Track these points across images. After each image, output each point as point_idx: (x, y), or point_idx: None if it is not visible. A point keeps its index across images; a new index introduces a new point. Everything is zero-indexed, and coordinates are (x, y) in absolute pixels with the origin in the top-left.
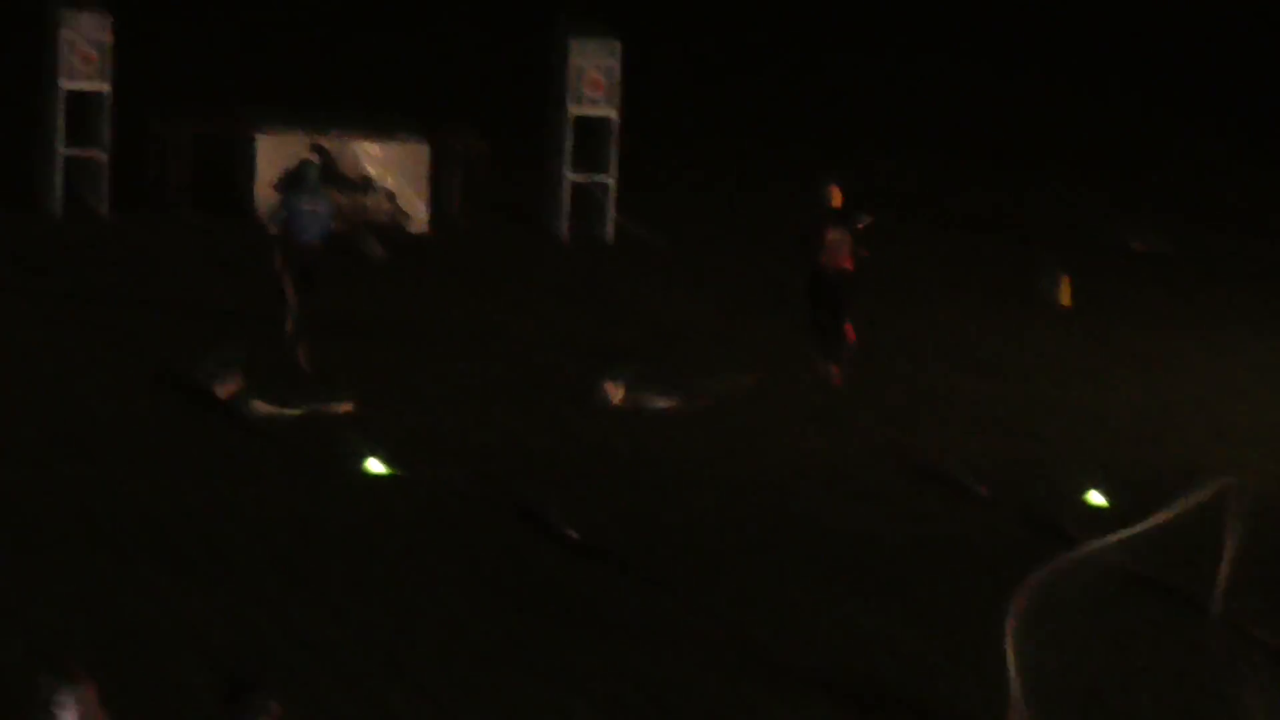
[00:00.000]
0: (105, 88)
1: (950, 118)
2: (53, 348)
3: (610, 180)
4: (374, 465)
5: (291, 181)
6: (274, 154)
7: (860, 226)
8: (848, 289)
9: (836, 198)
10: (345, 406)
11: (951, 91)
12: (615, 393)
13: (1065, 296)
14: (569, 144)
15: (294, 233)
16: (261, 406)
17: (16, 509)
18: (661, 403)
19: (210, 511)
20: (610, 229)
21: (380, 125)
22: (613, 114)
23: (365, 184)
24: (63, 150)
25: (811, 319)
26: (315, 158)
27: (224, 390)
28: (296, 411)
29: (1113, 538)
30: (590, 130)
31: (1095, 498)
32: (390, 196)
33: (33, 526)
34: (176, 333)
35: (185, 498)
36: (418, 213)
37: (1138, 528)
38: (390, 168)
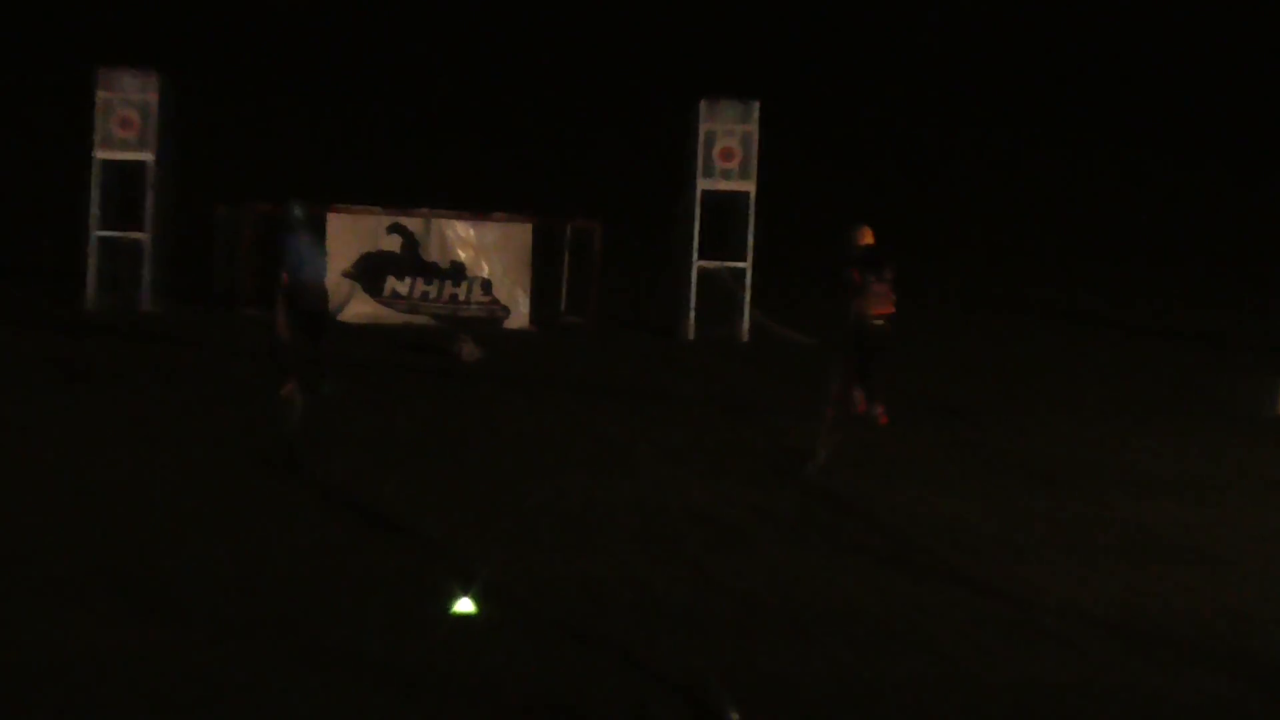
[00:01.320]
0: (148, 157)
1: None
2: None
3: (746, 266)
4: (463, 604)
5: (284, 225)
6: (347, 234)
7: (890, 276)
8: (892, 335)
9: (869, 237)
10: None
11: (1140, 190)
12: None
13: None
14: (698, 224)
15: (294, 270)
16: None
17: None
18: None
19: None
20: (745, 325)
21: (476, 204)
22: (750, 188)
23: (456, 271)
24: (97, 230)
25: (847, 364)
26: (397, 239)
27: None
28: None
29: None
30: (722, 208)
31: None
32: (486, 286)
33: None
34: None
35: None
36: (518, 306)
37: None
38: (486, 252)
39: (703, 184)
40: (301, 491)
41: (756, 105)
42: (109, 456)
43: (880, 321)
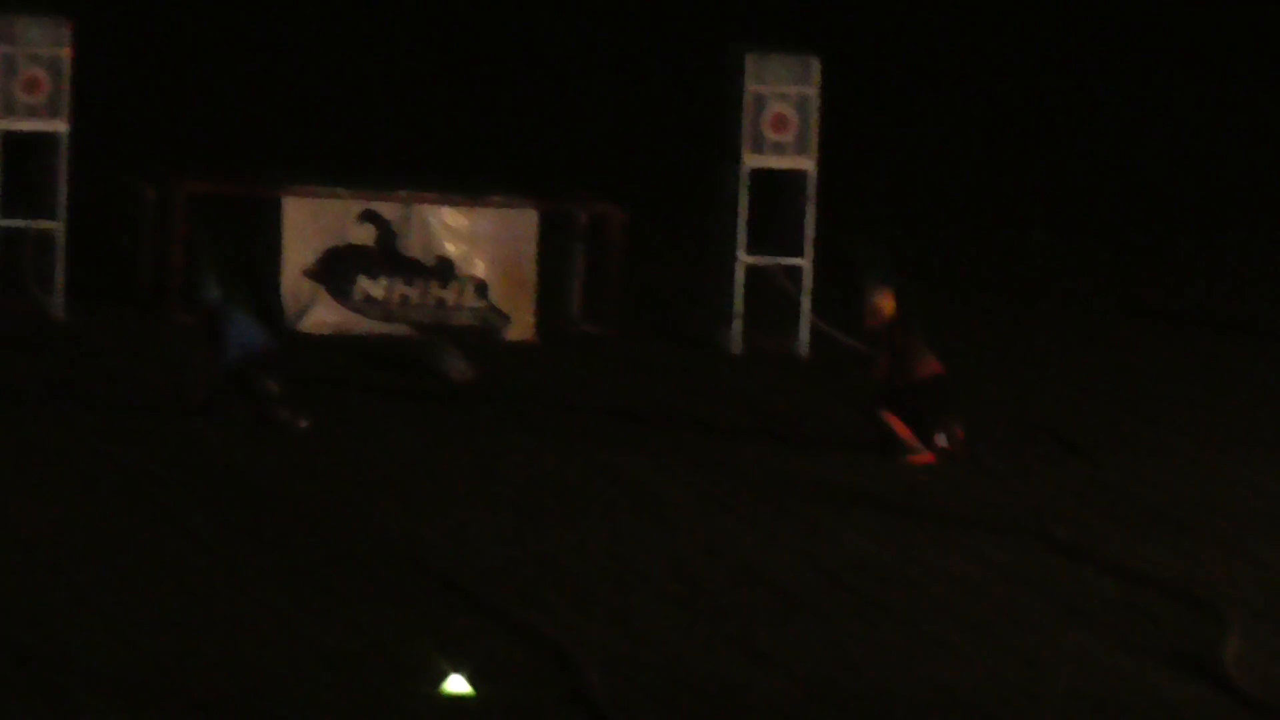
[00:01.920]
0: (61, 127)
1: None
2: None
3: (805, 263)
4: (456, 684)
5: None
6: (308, 224)
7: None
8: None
9: (890, 303)
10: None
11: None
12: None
13: None
14: (744, 210)
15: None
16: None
17: None
18: None
19: None
20: (804, 335)
21: (467, 185)
22: (809, 165)
23: (443, 269)
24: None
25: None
26: (370, 230)
27: None
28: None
29: None
30: (774, 190)
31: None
32: (480, 288)
33: None
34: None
35: None
36: (520, 312)
37: None
38: (481, 246)
39: (749, 160)
40: (251, 542)
41: (816, 62)
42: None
43: (934, 378)
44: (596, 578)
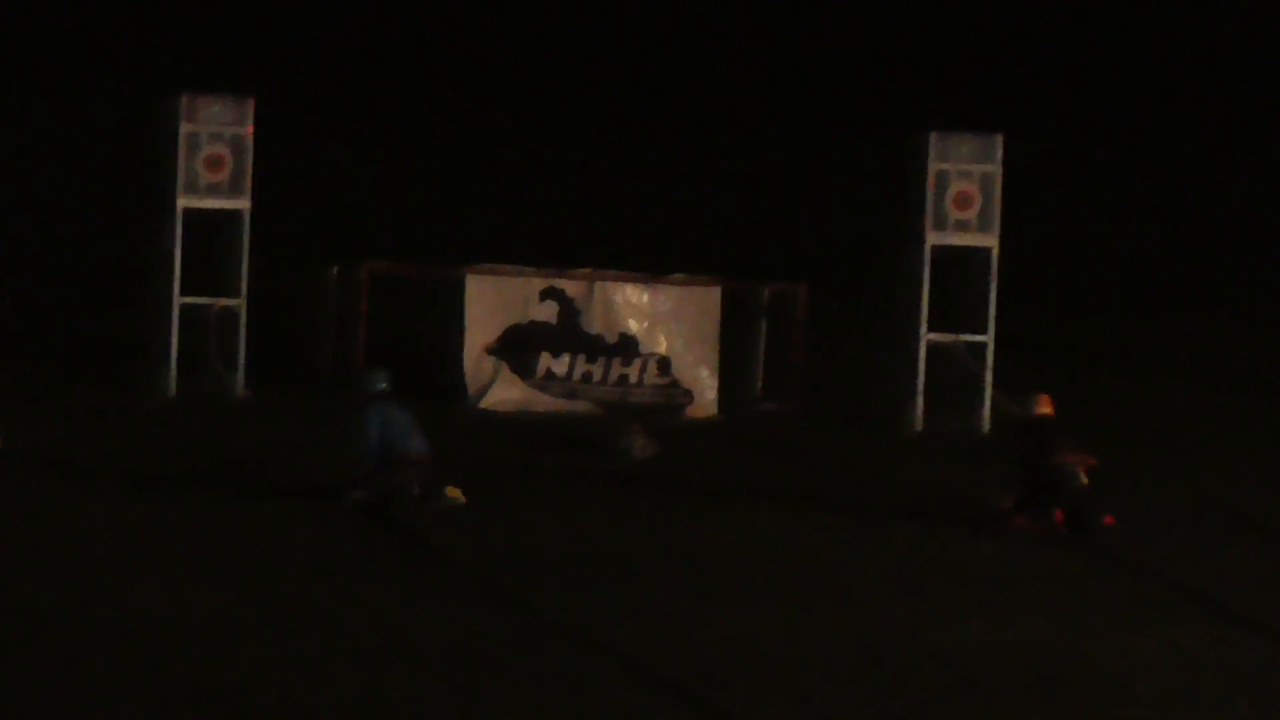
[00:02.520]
0: (243, 205)
1: None
2: None
3: (988, 340)
4: None
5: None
6: (490, 301)
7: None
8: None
9: (1048, 406)
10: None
11: None
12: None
13: None
14: (926, 287)
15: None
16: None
17: None
18: None
19: None
20: (986, 414)
21: (650, 262)
22: (991, 243)
23: (626, 346)
24: (179, 298)
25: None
26: (552, 307)
27: None
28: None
29: None
30: (957, 267)
31: None
32: (663, 365)
33: None
34: None
35: None
36: (703, 389)
37: None
38: (663, 322)
39: (932, 237)
40: (430, 622)
41: (999, 140)
42: (185, 585)
43: (1080, 469)
44: (778, 657)
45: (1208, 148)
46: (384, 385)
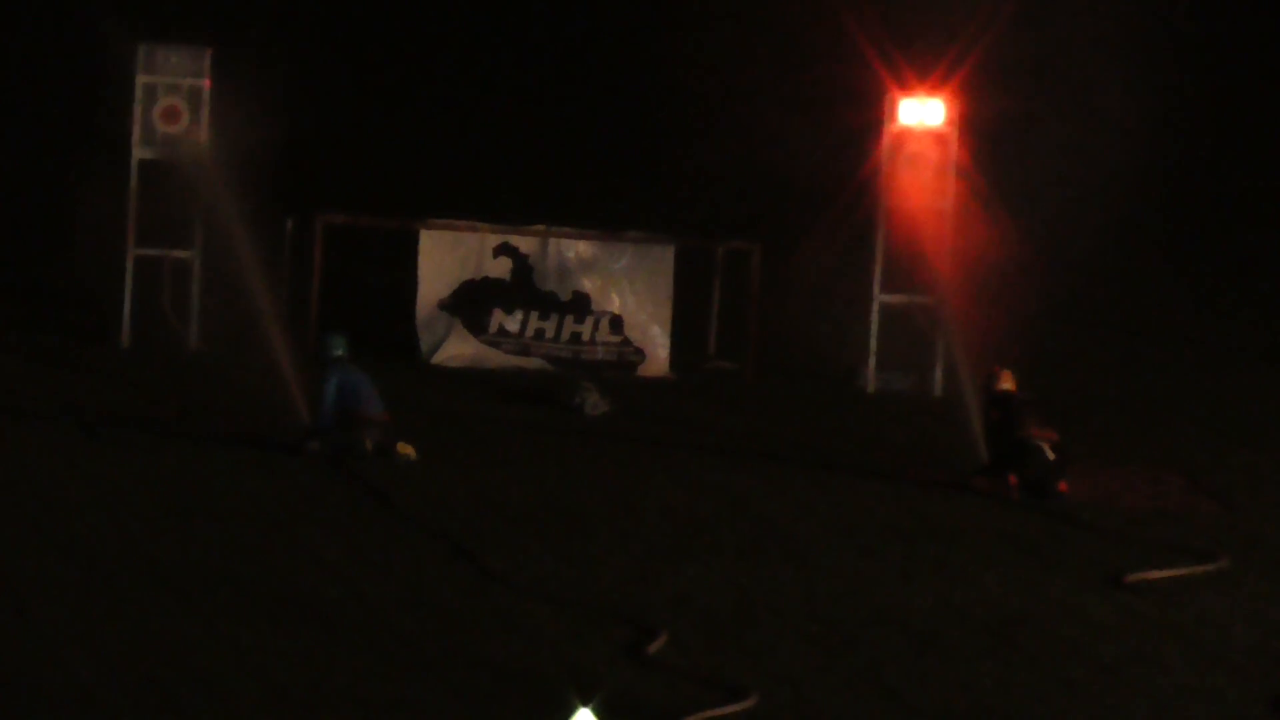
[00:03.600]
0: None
1: None
2: None
3: (939, 300)
4: (584, 717)
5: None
6: (444, 257)
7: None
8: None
9: (1009, 382)
10: (405, 447)
11: None
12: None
13: None
14: (880, 250)
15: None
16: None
17: None
18: None
19: None
20: (938, 376)
21: (604, 220)
22: (946, 205)
23: (579, 304)
24: (134, 249)
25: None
26: (506, 263)
27: None
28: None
29: None
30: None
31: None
32: (616, 323)
33: None
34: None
35: None
36: (655, 348)
37: None
38: (617, 280)
39: (886, 198)
40: (381, 572)
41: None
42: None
43: (1045, 444)
44: (730, 614)
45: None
46: (341, 351)
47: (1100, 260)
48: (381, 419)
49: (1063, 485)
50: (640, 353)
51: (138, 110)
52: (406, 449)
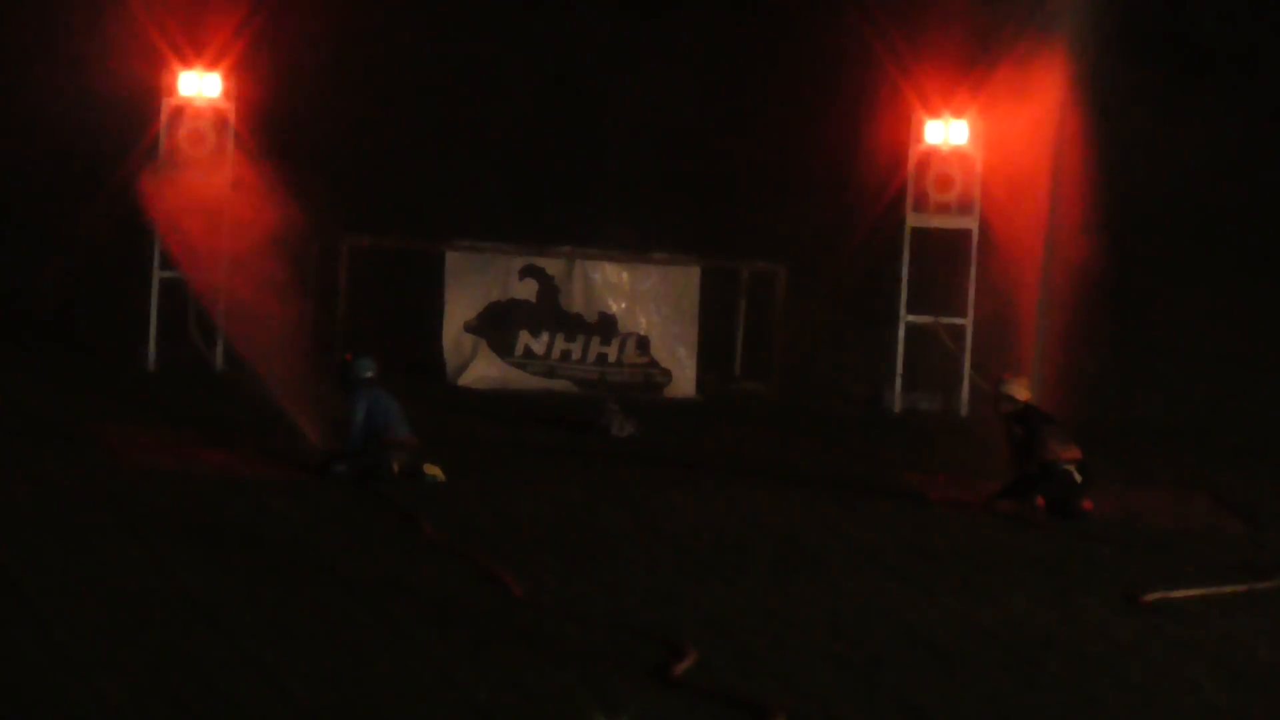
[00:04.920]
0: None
1: None
2: None
3: (966, 323)
4: None
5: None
6: (470, 278)
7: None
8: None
9: (1025, 392)
10: (433, 469)
11: None
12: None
13: None
14: (905, 269)
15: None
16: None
17: None
18: None
19: None
20: (965, 396)
21: (630, 241)
22: (972, 225)
23: (605, 325)
24: (159, 271)
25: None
26: (532, 285)
27: None
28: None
29: None
30: (939, 248)
31: None
32: (642, 345)
33: None
34: None
35: None
36: (682, 369)
37: None
38: (643, 302)
39: (913, 219)
40: (409, 595)
41: (974, 123)
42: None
43: (1071, 467)
44: (756, 634)
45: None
46: (370, 373)
47: (1125, 277)
48: (409, 442)
49: (1088, 504)
50: (666, 374)
51: (162, 132)
52: (434, 470)
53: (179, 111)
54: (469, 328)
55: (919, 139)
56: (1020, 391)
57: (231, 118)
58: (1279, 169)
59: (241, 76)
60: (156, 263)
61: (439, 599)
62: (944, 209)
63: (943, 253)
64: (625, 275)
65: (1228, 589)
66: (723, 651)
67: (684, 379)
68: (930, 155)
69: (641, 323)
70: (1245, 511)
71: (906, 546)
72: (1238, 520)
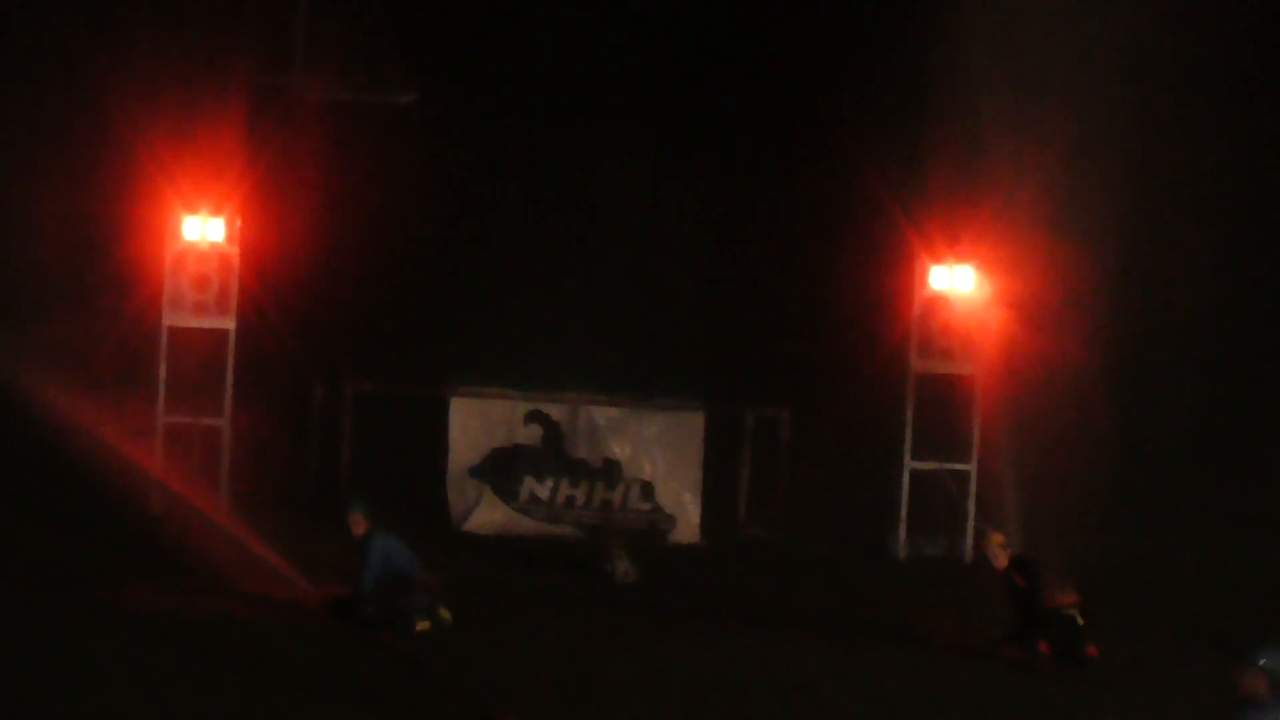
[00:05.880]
0: (228, 325)
1: None
2: None
3: (971, 469)
4: None
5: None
6: (475, 424)
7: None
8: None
9: (1000, 552)
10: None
11: None
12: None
13: None
14: (910, 415)
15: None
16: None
17: None
18: None
19: None
20: (969, 544)
21: (634, 387)
22: (971, 370)
23: (610, 471)
24: (163, 417)
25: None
26: (537, 430)
27: None
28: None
29: None
30: (940, 395)
31: None
32: (646, 490)
33: None
34: None
35: None
36: (686, 514)
37: None
38: (647, 447)
39: (917, 365)
40: None
41: (975, 271)
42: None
43: (1072, 610)
44: None
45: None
46: (360, 512)
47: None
48: (429, 581)
49: (1092, 650)
50: (671, 519)
51: (168, 279)
52: (445, 613)
53: (182, 255)
54: (474, 472)
55: (924, 284)
56: (996, 550)
57: (235, 261)
58: None
59: (246, 221)
60: (160, 409)
61: None
62: (947, 355)
63: (946, 398)
64: (630, 421)
65: None
66: None
67: (688, 524)
68: (935, 301)
69: (646, 468)
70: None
71: (913, 692)
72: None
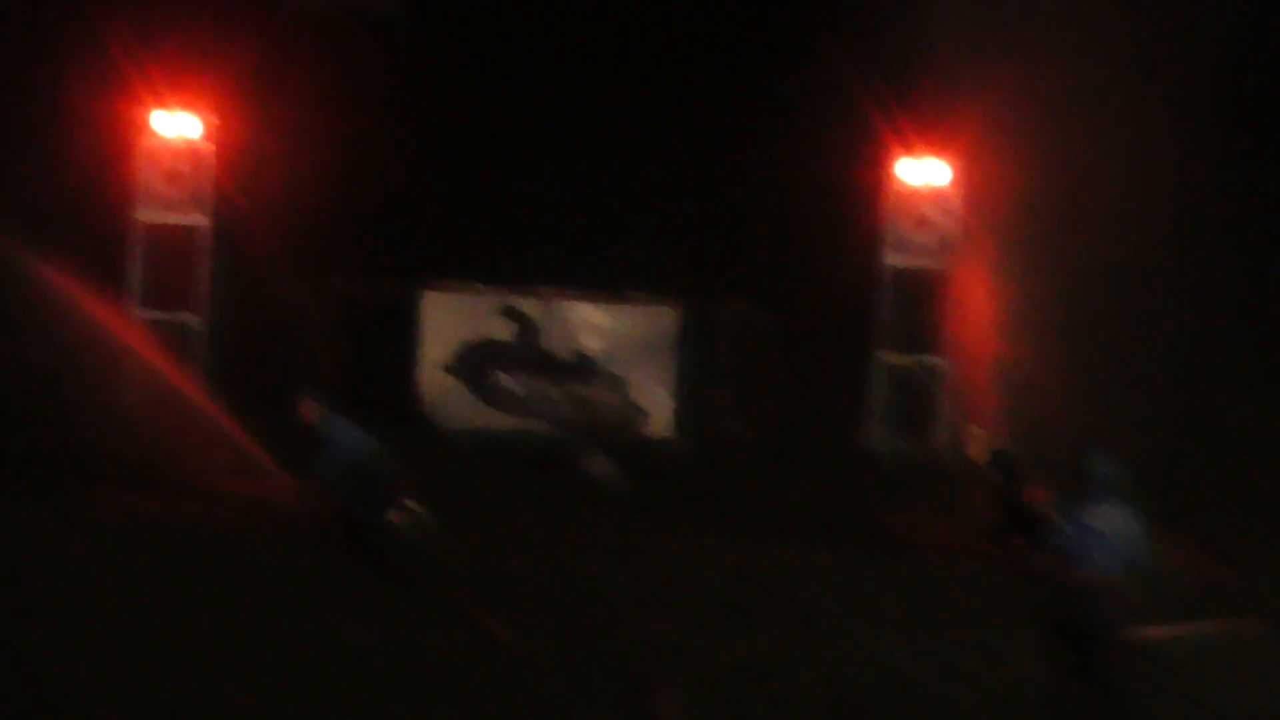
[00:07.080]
0: (202, 221)
1: None
2: None
3: (943, 362)
4: None
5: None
6: (446, 319)
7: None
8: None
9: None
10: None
11: None
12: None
13: None
14: (885, 309)
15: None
16: None
17: None
18: None
19: None
20: (940, 434)
21: (608, 282)
22: (943, 265)
23: (583, 366)
24: (140, 312)
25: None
26: (509, 325)
27: None
28: None
29: None
30: (914, 290)
31: None
32: (619, 385)
33: None
34: None
35: None
36: (660, 410)
37: None
38: (620, 343)
39: (891, 260)
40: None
41: (950, 164)
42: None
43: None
44: (745, 687)
45: None
46: (309, 399)
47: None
48: (392, 467)
49: None
50: (644, 414)
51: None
52: (414, 505)
53: (154, 151)
54: (446, 368)
55: (894, 177)
56: (975, 448)
57: (211, 158)
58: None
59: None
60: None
61: (420, 648)
62: (923, 250)
63: (922, 293)
64: (603, 316)
65: (1208, 629)
66: (709, 699)
67: (661, 419)
68: (910, 195)
69: (618, 363)
70: (1228, 555)
71: (891, 593)
72: (1219, 562)
